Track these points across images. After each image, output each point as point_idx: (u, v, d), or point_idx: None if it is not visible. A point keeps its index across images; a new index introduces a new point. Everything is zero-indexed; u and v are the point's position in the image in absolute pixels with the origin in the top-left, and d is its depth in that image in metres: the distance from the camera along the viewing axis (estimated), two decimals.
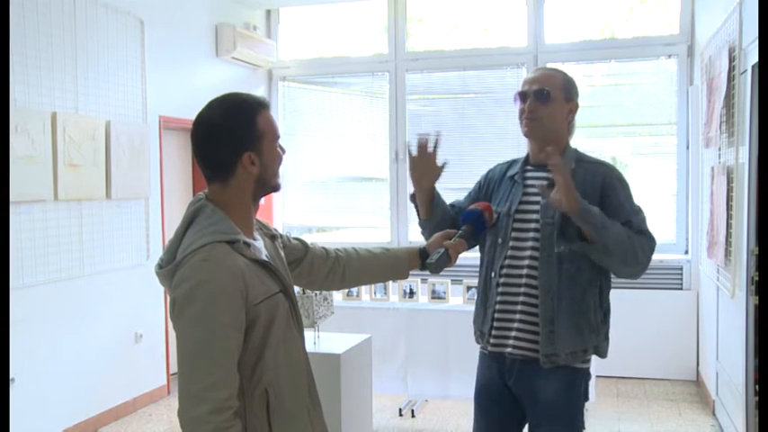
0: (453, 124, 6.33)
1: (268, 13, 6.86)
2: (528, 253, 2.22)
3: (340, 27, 6.87)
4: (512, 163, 2.40)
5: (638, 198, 2.29)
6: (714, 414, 4.68)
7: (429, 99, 6.52)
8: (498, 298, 2.26)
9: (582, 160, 2.27)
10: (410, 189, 2.45)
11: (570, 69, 6.00)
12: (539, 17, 6.13)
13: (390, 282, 4.82)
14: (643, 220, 2.23)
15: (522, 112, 2.27)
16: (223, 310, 1.51)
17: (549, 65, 6.05)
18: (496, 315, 2.27)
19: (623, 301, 5.60)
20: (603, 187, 2.19)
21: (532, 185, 2.26)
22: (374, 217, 6.70)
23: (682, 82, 5.80)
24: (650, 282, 5.72)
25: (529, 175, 2.30)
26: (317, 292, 3.64)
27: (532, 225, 2.22)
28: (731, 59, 3.92)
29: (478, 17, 6.52)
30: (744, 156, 3.66)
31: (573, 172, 2.20)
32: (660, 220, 5.90)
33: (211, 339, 1.51)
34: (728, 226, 3.98)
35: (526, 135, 2.30)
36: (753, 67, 3.45)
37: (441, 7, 6.62)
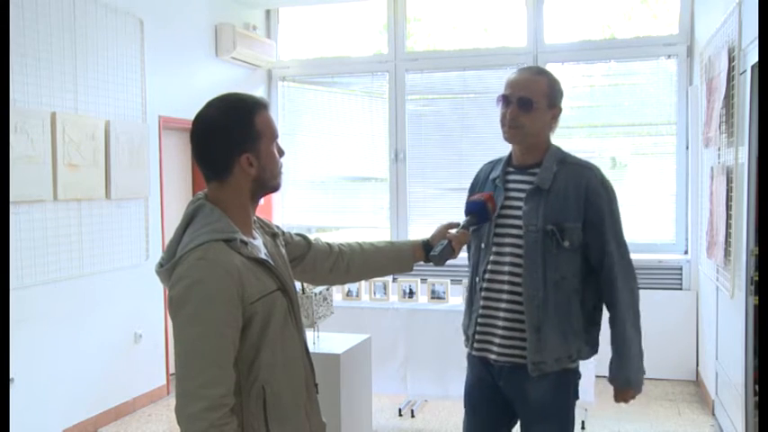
0: (453, 124, 6.33)
1: (268, 13, 6.86)
2: (508, 259, 2.22)
3: (340, 27, 6.87)
4: (495, 163, 2.39)
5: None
6: (713, 414, 4.68)
7: (429, 99, 6.52)
8: (482, 303, 2.28)
9: (565, 162, 2.25)
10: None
11: (570, 69, 6.10)
12: (538, 17, 6.14)
13: (390, 281, 4.83)
14: (623, 241, 2.24)
15: (503, 118, 2.24)
16: (218, 308, 1.52)
17: (549, 65, 6.06)
18: (480, 320, 2.29)
19: None
20: (588, 192, 2.18)
21: (513, 189, 2.26)
22: (374, 217, 6.70)
23: (681, 82, 5.80)
24: (650, 282, 5.72)
25: (510, 178, 2.29)
26: (317, 291, 3.65)
27: (512, 231, 2.22)
28: (731, 60, 3.92)
29: (478, 17, 6.52)
30: (743, 156, 3.66)
31: (555, 174, 2.21)
32: (660, 220, 5.90)
33: (207, 338, 1.51)
34: (728, 226, 3.98)
35: (507, 141, 2.29)
36: (752, 67, 3.45)
37: (440, 7, 6.62)
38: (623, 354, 2.23)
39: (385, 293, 4.80)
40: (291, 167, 6.80)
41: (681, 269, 5.70)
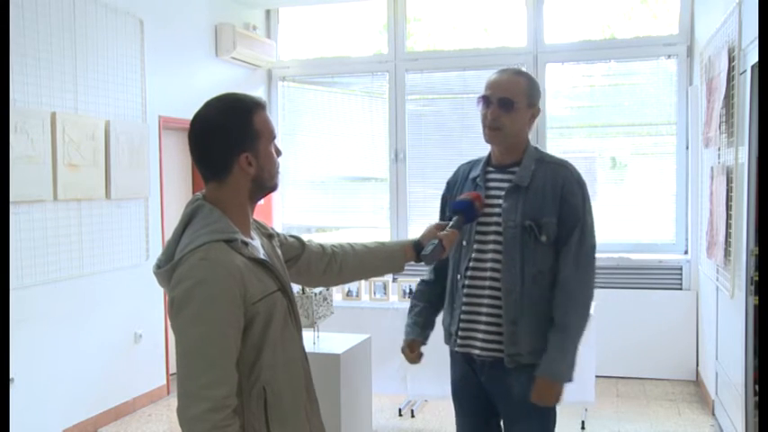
0: (453, 124, 6.33)
1: (268, 13, 6.86)
2: (490, 255, 2.27)
3: (340, 27, 6.87)
4: (474, 163, 2.45)
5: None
6: (713, 414, 4.68)
7: (429, 99, 6.53)
8: (464, 299, 2.32)
9: (543, 160, 2.31)
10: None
11: (570, 69, 6.09)
12: (538, 17, 6.13)
13: (390, 281, 4.83)
14: (588, 233, 2.26)
15: (484, 118, 2.30)
16: (221, 308, 1.52)
17: (549, 65, 6.06)
18: (462, 316, 2.33)
19: (623, 301, 5.63)
20: (564, 192, 2.25)
21: (494, 188, 2.32)
22: (374, 217, 6.70)
23: (681, 82, 5.80)
24: (650, 282, 5.72)
25: (490, 177, 2.35)
26: (317, 291, 3.64)
27: (493, 228, 2.28)
28: (731, 60, 3.92)
29: (478, 17, 6.52)
30: (743, 156, 3.66)
31: (533, 172, 2.27)
32: (660, 220, 5.90)
33: (209, 338, 1.51)
34: (728, 226, 3.98)
35: (488, 142, 2.35)
36: (752, 67, 3.45)
37: (440, 7, 6.62)
38: (559, 344, 2.20)
39: (385, 293, 4.80)
40: (291, 167, 6.80)
41: (681, 269, 5.70)
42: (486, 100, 2.29)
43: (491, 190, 2.30)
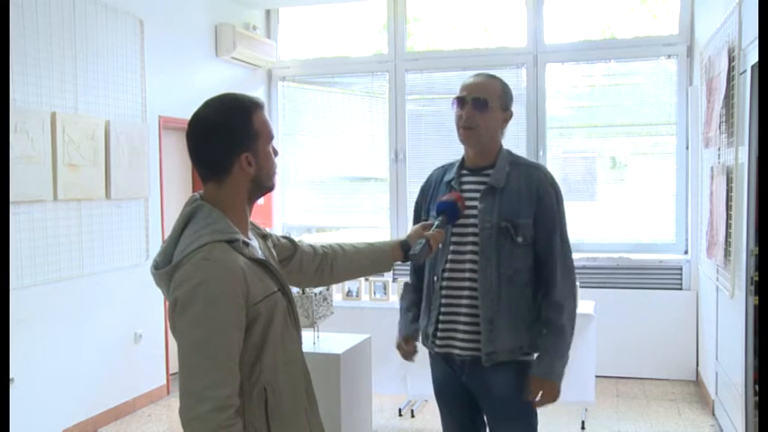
0: (453, 124, 6.29)
1: (268, 13, 6.86)
2: (468, 257, 2.31)
3: (340, 27, 6.87)
4: (447, 167, 2.49)
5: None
6: (713, 414, 4.68)
7: (429, 99, 6.53)
8: (442, 300, 2.36)
9: (517, 163, 2.37)
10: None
11: (570, 69, 6.10)
12: (538, 17, 6.13)
13: (390, 281, 4.83)
14: (566, 239, 2.34)
15: (459, 119, 2.34)
16: (225, 309, 1.52)
17: (549, 65, 6.06)
18: (441, 317, 2.36)
19: (623, 301, 5.63)
20: (539, 192, 2.31)
21: (469, 190, 2.35)
22: (374, 217, 6.70)
23: (681, 82, 5.80)
24: (650, 282, 5.72)
25: (465, 179, 2.39)
26: (317, 291, 3.65)
27: (470, 229, 2.32)
28: (731, 60, 3.92)
29: (478, 17, 6.52)
30: (743, 156, 3.66)
31: (508, 174, 2.33)
32: (660, 220, 5.90)
33: (213, 338, 1.51)
34: (728, 226, 3.98)
35: (462, 143, 2.39)
36: (752, 67, 3.45)
37: (440, 7, 6.63)
38: (556, 346, 2.28)
39: (385, 293, 4.80)
40: (291, 167, 6.80)
41: (681, 269, 5.70)
42: (460, 101, 2.34)
43: (466, 192, 2.34)
